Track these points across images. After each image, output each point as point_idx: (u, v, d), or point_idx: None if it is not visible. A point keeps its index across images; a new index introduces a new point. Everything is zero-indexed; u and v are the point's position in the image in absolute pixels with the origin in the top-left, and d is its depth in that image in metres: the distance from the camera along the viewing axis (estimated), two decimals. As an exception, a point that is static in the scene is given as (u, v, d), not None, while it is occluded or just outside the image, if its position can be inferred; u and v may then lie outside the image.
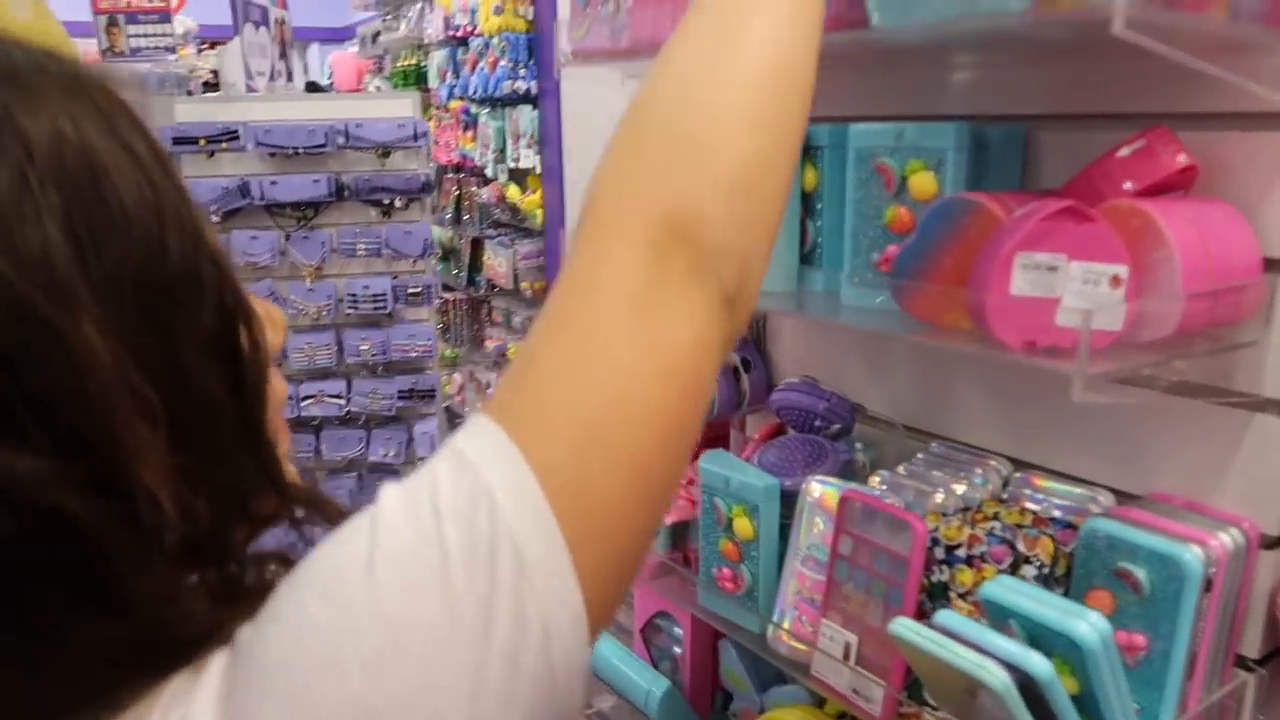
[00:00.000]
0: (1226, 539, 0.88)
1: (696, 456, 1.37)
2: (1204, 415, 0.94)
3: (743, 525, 1.10)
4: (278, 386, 0.50)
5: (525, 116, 3.76)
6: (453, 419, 4.69)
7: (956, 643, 0.80)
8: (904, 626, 0.83)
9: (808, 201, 1.10)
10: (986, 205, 0.89)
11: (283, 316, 0.53)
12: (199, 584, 0.46)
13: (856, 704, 0.96)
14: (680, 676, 1.33)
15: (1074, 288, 0.82)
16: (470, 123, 4.22)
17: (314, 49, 8.06)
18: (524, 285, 3.89)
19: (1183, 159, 0.89)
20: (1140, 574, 0.87)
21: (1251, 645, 0.94)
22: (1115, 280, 0.81)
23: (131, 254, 0.40)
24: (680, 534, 1.25)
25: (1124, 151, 0.91)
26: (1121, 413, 1.01)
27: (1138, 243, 0.83)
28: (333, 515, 0.50)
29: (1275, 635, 0.93)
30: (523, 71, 3.75)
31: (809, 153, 1.09)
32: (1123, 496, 1.00)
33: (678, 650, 1.35)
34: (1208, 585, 0.86)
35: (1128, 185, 0.91)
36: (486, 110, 4.04)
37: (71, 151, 0.39)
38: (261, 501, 0.48)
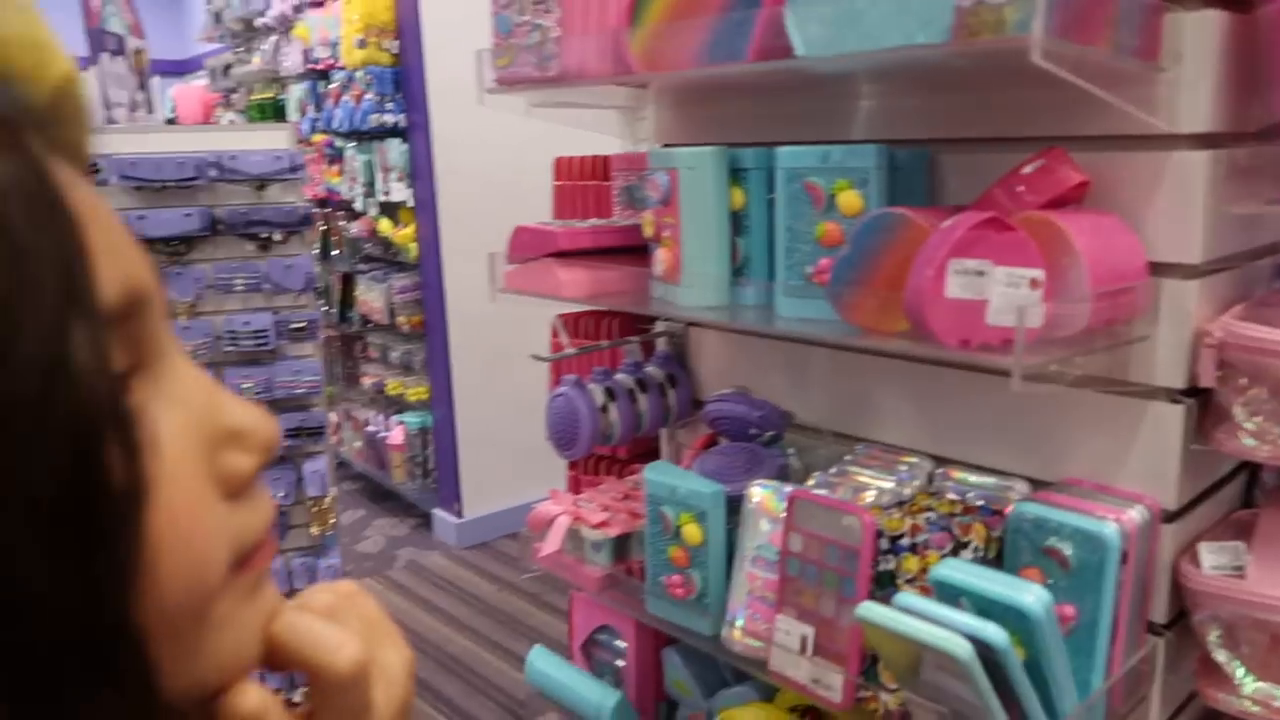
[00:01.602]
0: (1135, 515, 0.99)
1: (633, 470, 1.41)
2: (1104, 405, 1.05)
3: (691, 531, 1.14)
4: (256, 515, 0.37)
5: (394, 150, 3.73)
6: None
7: (919, 620, 0.86)
8: (870, 610, 0.89)
9: (736, 220, 1.16)
10: (913, 219, 0.97)
11: (268, 428, 0.38)
12: None
13: (817, 693, 1.02)
14: (624, 689, 1.35)
15: (999, 290, 0.91)
16: (335, 156, 4.15)
17: (155, 81, 7.70)
18: (400, 320, 3.84)
19: (1076, 176, 1.00)
20: (1067, 550, 0.96)
21: (1159, 611, 1.04)
22: (1034, 283, 0.90)
23: None
24: (623, 547, 1.28)
25: (1026, 170, 1.02)
26: (1032, 407, 1.11)
27: (1050, 250, 0.93)
28: None
29: (1178, 601, 1.04)
30: (390, 105, 3.73)
31: (736, 175, 1.15)
32: (1036, 484, 1.10)
33: (620, 663, 1.37)
34: (1124, 557, 0.96)
35: (1030, 199, 1.01)
36: (353, 144, 3.98)
37: None
38: None
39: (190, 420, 0.35)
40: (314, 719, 0.41)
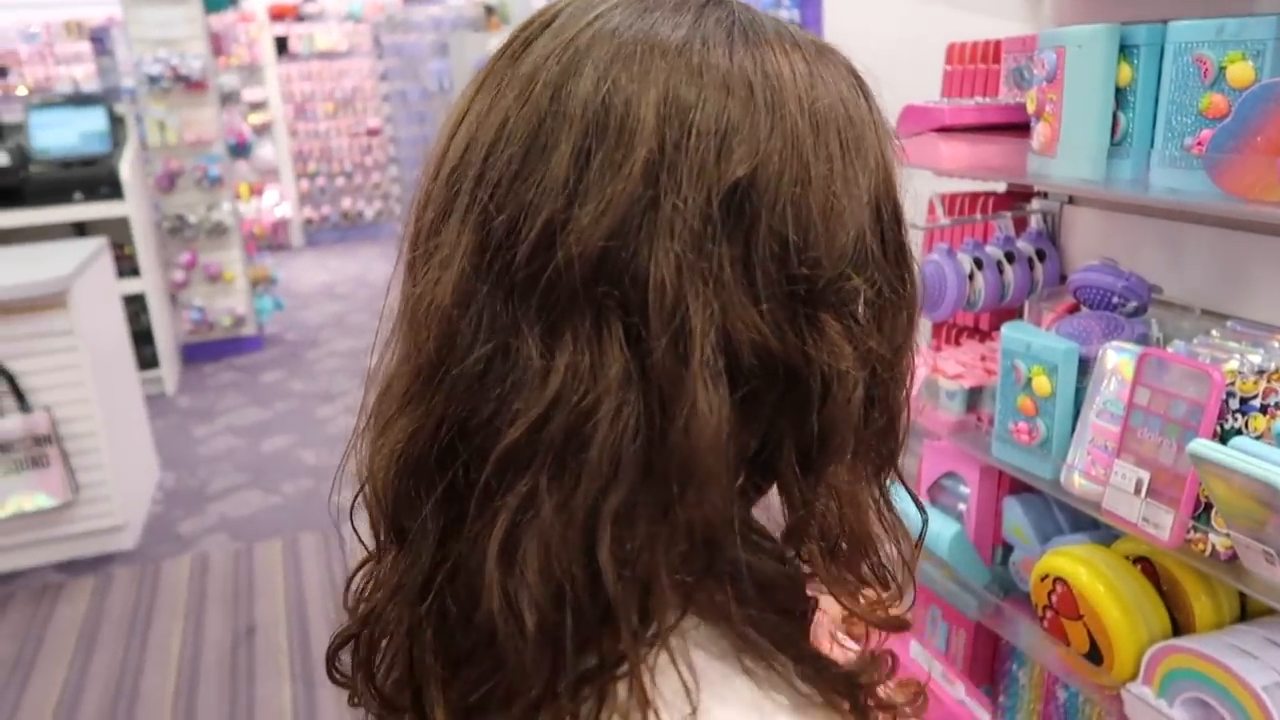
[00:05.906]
0: None
1: (993, 339, 1.53)
2: None
3: (1041, 383, 1.25)
4: None
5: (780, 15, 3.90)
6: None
7: (1250, 457, 0.93)
8: (1203, 445, 0.97)
9: (1120, 95, 1.22)
10: (1305, 87, 0.99)
11: None
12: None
13: (1146, 531, 1.11)
14: (965, 530, 1.50)
15: (1389, 156, 0.91)
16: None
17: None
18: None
19: None
20: None
21: None
22: None
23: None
24: (975, 397, 1.41)
25: None
26: None
27: None
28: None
29: None
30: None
31: (1124, 51, 1.20)
32: None
33: (962, 507, 1.52)
34: None
35: None
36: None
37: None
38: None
39: None
40: None
